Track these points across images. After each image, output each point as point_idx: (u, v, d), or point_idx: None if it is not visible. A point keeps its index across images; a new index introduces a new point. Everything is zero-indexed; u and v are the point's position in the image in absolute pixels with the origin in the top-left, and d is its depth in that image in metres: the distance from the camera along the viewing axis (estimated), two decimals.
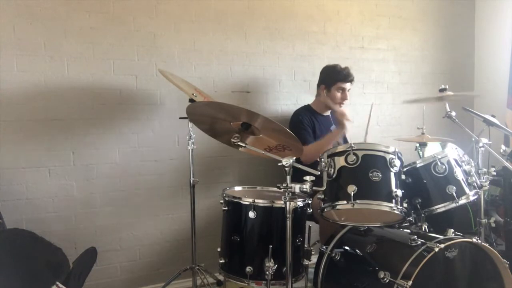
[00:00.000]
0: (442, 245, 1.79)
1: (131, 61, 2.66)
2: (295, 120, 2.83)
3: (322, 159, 2.01)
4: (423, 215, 2.21)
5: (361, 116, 3.37)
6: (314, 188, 1.83)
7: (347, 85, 2.79)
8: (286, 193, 1.78)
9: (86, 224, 2.60)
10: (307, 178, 1.80)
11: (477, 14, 3.93)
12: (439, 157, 2.18)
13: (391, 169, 1.96)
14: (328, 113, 2.94)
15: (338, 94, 2.78)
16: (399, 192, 1.92)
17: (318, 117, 2.88)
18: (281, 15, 3.08)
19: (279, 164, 1.78)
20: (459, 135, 2.63)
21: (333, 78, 2.78)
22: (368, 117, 2.67)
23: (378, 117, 3.50)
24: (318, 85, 2.87)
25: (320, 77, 2.88)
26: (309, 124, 2.78)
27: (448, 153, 2.21)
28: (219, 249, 2.17)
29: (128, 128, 2.68)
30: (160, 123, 2.76)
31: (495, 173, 2.27)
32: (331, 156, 2.00)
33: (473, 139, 2.33)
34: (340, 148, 2.00)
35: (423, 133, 2.65)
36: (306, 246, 2.15)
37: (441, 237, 1.91)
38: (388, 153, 1.98)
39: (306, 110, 2.90)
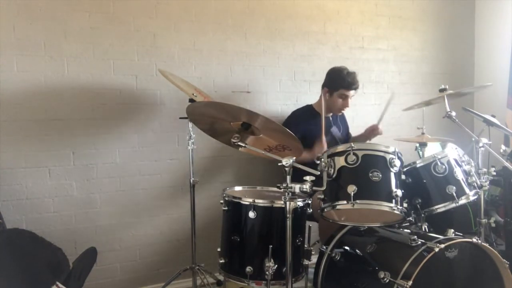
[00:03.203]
0: (442, 245, 1.79)
1: (131, 61, 2.66)
2: (287, 122, 2.81)
3: (322, 159, 2.00)
4: (423, 215, 2.21)
5: (361, 116, 3.37)
6: (314, 188, 1.83)
7: (351, 93, 2.74)
8: (286, 193, 1.78)
9: (86, 224, 2.60)
10: (307, 178, 1.79)
11: (477, 14, 3.93)
12: (439, 157, 2.18)
13: (391, 169, 1.96)
14: (329, 114, 2.90)
15: (340, 101, 2.75)
16: (399, 192, 1.92)
17: (319, 118, 2.84)
18: (281, 15, 3.08)
19: (279, 164, 1.78)
20: (459, 135, 2.63)
21: (337, 83, 2.72)
22: (386, 105, 2.75)
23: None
24: (322, 86, 2.83)
25: (325, 78, 2.83)
26: (299, 129, 2.61)
27: (448, 153, 2.21)
28: (219, 249, 2.17)
29: (128, 128, 2.68)
30: (160, 123, 2.76)
31: (495, 173, 2.27)
32: (331, 156, 2.00)
33: (473, 139, 2.33)
34: (340, 148, 2.00)
35: (423, 133, 2.65)
36: (306, 246, 2.15)
37: (441, 237, 1.91)
38: (388, 153, 1.98)
39: (305, 111, 2.87)
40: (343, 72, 2.73)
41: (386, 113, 2.91)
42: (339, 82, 2.72)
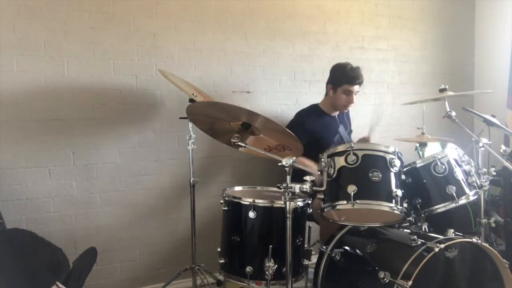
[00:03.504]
0: (442, 245, 1.79)
1: (131, 61, 2.66)
2: (293, 123, 2.77)
3: (322, 159, 2.00)
4: (423, 215, 2.21)
5: (360, 116, 3.37)
6: (314, 188, 1.83)
7: (355, 88, 2.67)
8: (286, 193, 1.78)
9: (86, 224, 2.60)
10: (307, 178, 1.80)
11: (477, 14, 3.93)
12: (439, 157, 2.18)
13: (391, 169, 1.96)
14: (336, 113, 2.86)
15: (344, 97, 2.69)
16: (399, 192, 1.92)
17: (326, 118, 2.81)
18: (281, 15, 3.08)
19: (279, 164, 1.78)
20: (459, 135, 2.63)
21: (340, 79, 2.67)
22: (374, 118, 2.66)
23: (378, 117, 3.50)
24: (327, 84, 2.79)
25: (329, 75, 2.79)
26: (306, 131, 2.63)
27: (448, 153, 2.21)
28: (219, 249, 2.17)
29: (128, 128, 2.68)
30: (160, 123, 2.76)
31: (495, 173, 2.27)
32: (331, 156, 2.00)
33: (473, 139, 2.33)
34: (340, 148, 2.00)
35: (423, 133, 2.65)
36: (306, 246, 2.15)
37: (441, 237, 1.91)
38: (388, 153, 1.98)
39: (311, 111, 2.81)
40: (347, 67, 2.69)
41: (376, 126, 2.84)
42: (342, 77, 2.67)
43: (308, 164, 2.52)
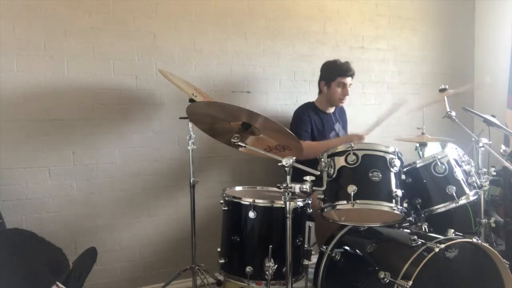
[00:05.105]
0: (442, 245, 1.79)
1: (131, 61, 2.66)
2: (295, 116, 2.83)
3: (322, 159, 2.00)
4: (423, 215, 2.21)
5: (360, 116, 3.37)
6: (314, 188, 1.83)
7: (348, 80, 2.75)
8: (286, 193, 1.78)
9: (86, 224, 2.60)
10: (307, 178, 1.79)
11: (477, 14, 3.93)
12: (439, 157, 2.18)
13: (391, 169, 1.96)
14: (331, 110, 2.90)
15: (339, 90, 2.76)
16: (399, 192, 1.92)
17: (321, 115, 2.86)
18: (281, 15, 3.08)
19: (279, 164, 1.78)
20: (459, 135, 2.63)
21: (333, 73, 2.75)
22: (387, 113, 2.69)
23: (378, 117, 3.50)
24: (319, 82, 2.86)
25: (320, 73, 2.86)
26: (308, 121, 2.76)
27: (448, 153, 2.21)
28: (219, 249, 2.17)
29: (128, 128, 2.68)
30: (160, 123, 2.76)
31: (495, 173, 2.27)
32: (331, 156, 2.00)
33: (473, 139, 2.33)
34: (340, 148, 2.00)
35: (423, 133, 2.65)
36: (306, 246, 2.15)
37: (441, 237, 1.91)
38: (388, 153, 1.98)
39: (309, 107, 2.87)
40: (336, 62, 2.78)
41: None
42: (334, 71, 2.75)
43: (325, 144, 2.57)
